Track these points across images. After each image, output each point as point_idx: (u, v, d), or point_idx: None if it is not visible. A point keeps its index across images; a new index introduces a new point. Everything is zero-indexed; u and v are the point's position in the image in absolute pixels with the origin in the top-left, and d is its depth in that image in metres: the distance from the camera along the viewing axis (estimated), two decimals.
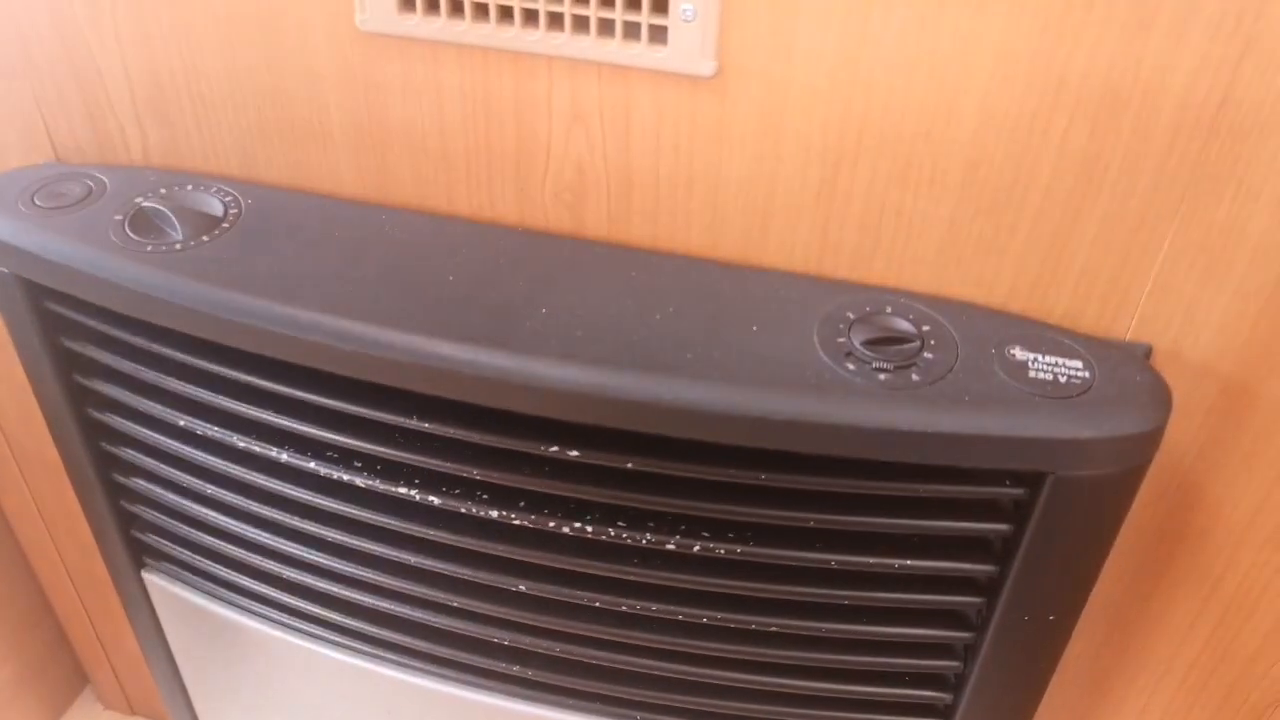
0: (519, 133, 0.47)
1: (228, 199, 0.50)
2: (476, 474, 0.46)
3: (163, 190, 0.50)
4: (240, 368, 0.47)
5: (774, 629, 0.48)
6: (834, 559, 0.45)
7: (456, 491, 0.48)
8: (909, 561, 0.45)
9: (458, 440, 0.45)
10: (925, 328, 0.43)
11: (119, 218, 0.48)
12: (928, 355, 0.42)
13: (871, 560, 0.45)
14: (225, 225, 0.48)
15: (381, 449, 0.47)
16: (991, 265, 0.44)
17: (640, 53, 0.42)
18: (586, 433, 0.44)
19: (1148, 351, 0.44)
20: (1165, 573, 0.52)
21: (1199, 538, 0.50)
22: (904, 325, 0.43)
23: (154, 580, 0.62)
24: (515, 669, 0.54)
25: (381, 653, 0.57)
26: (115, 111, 0.52)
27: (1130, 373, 0.41)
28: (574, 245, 0.48)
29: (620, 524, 0.47)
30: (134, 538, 0.61)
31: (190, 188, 0.50)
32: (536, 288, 0.45)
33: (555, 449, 0.44)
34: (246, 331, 0.44)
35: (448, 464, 0.46)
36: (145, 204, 0.49)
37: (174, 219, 0.48)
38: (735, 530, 0.46)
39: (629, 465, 0.44)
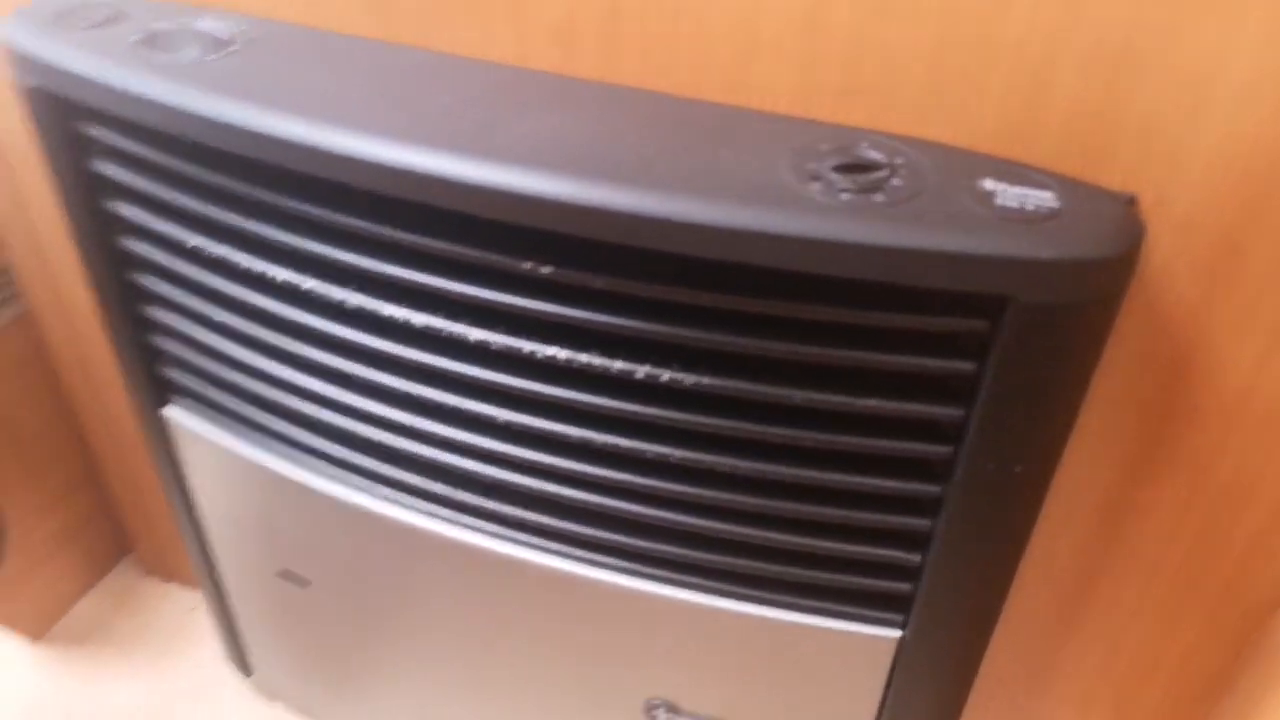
0: None
1: (238, 29, 0.52)
2: (461, 289, 0.47)
3: (178, 16, 0.52)
4: (247, 181, 0.49)
5: (739, 472, 0.49)
6: (798, 394, 0.45)
7: (442, 313, 0.49)
8: (872, 401, 0.45)
9: (446, 260, 0.47)
10: (898, 160, 0.42)
11: (137, 37, 0.51)
12: (895, 182, 0.41)
13: (835, 398, 0.45)
14: (234, 48, 0.50)
15: (372, 262, 0.48)
16: (974, 105, 0.43)
17: None
18: (559, 252, 0.45)
19: (1131, 199, 0.43)
20: (1152, 457, 0.51)
21: (1188, 416, 0.48)
22: (875, 155, 0.43)
23: (174, 417, 0.65)
24: (493, 504, 0.56)
25: (379, 487, 0.59)
26: None
27: (1102, 206, 0.40)
28: (564, 81, 0.49)
29: (591, 351, 0.47)
30: (157, 373, 0.64)
31: (203, 17, 0.53)
32: (519, 112, 0.46)
33: (529, 265, 0.45)
34: (242, 135, 0.46)
35: (438, 279, 0.47)
36: (160, 26, 0.51)
37: (186, 39, 0.50)
38: (702, 363, 0.46)
39: (598, 285, 0.45)
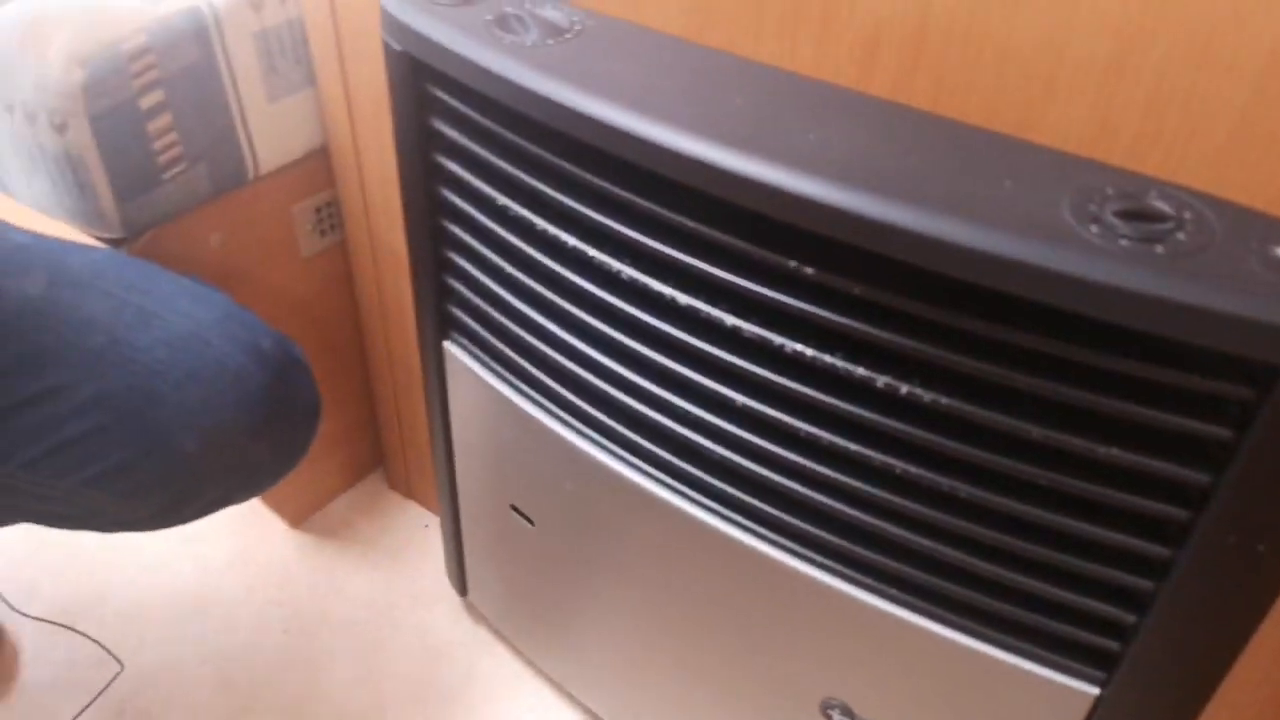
0: None
1: (574, 18, 0.58)
2: (728, 278, 0.51)
3: (523, 3, 0.59)
4: (559, 154, 0.56)
5: (964, 496, 0.50)
6: (1036, 430, 0.46)
7: (704, 296, 0.54)
8: (1115, 450, 0.45)
9: (719, 247, 0.51)
10: (1185, 214, 0.42)
11: (489, 18, 0.58)
12: (1180, 236, 0.41)
13: (1077, 441, 0.45)
14: (568, 36, 0.57)
15: (652, 241, 0.53)
16: (1278, 168, 0.42)
17: None
18: (825, 255, 0.48)
19: None
20: None
21: None
22: (1162, 206, 0.43)
23: (452, 350, 0.74)
24: (718, 482, 0.59)
25: (616, 447, 0.65)
26: None
27: None
28: (856, 96, 0.52)
29: (837, 354, 0.50)
30: (444, 309, 0.73)
31: (545, 5, 0.59)
32: (810, 120, 0.49)
33: (794, 264, 0.48)
34: (564, 112, 0.52)
35: (708, 264, 0.52)
36: (507, 9, 0.59)
37: (530, 23, 0.57)
38: (944, 382, 0.48)
39: (856, 291, 0.47)
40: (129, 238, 0.77)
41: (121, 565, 1.01)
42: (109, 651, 0.95)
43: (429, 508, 1.10)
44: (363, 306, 0.98)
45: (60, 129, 0.70)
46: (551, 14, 0.59)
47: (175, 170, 0.77)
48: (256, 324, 0.66)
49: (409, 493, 1.11)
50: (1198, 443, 0.44)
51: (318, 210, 0.92)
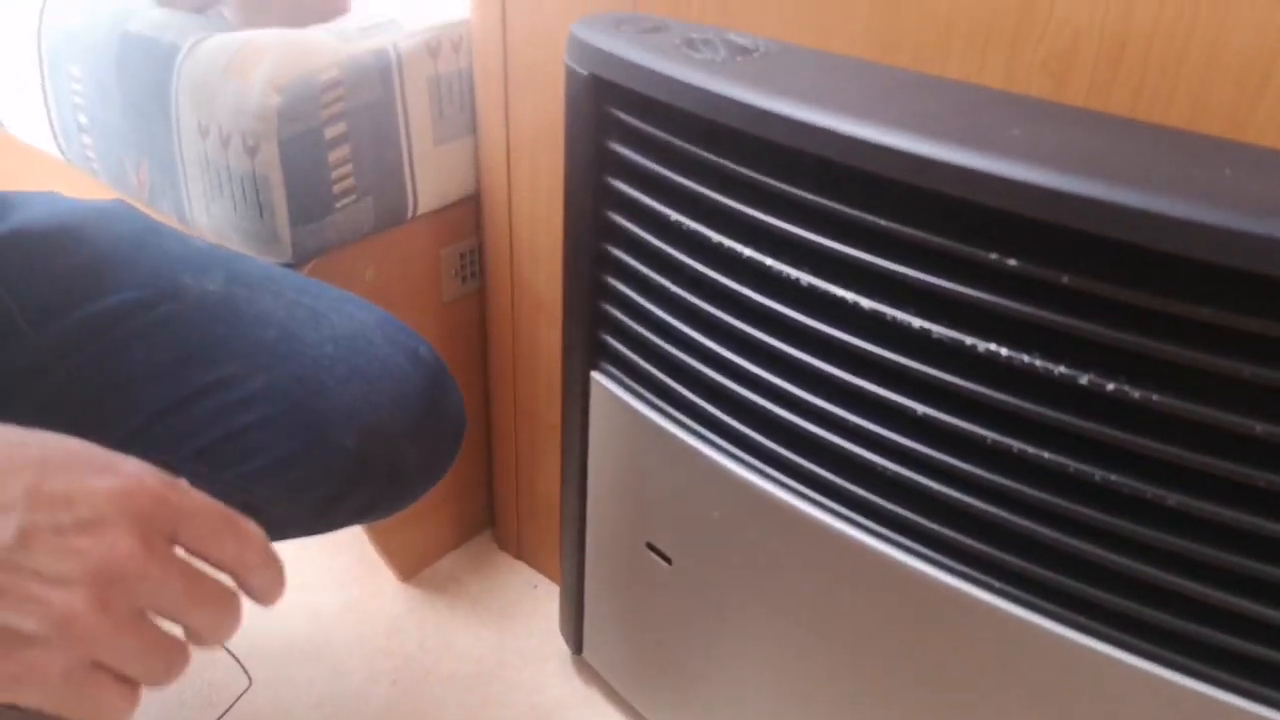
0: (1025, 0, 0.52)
1: (759, 43, 0.61)
2: (922, 277, 0.51)
3: (709, 30, 0.62)
4: (746, 163, 0.57)
5: (1178, 506, 0.47)
6: (1260, 425, 0.44)
7: (889, 300, 0.54)
8: None
9: (911, 245, 0.51)
10: None
11: (678, 41, 0.61)
12: None
13: None
14: (755, 55, 0.59)
15: (834, 243, 0.54)
16: None
17: None
18: (1025, 246, 0.47)
19: None
20: None
21: None
22: None
23: (599, 381, 0.74)
24: (896, 507, 0.58)
25: (774, 470, 0.63)
26: None
27: None
28: (1053, 104, 0.52)
29: (1034, 352, 0.49)
30: (596, 338, 0.74)
31: (730, 32, 0.62)
32: (1008, 121, 0.50)
33: (995, 256, 0.48)
34: (758, 115, 0.53)
35: (898, 265, 0.52)
36: (695, 35, 0.61)
37: (718, 44, 0.60)
38: (1153, 377, 0.46)
39: (1064, 280, 0.46)
40: (296, 264, 0.81)
41: None
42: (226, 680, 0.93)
43: (539, 569, 1.08)
44: (494, 356, 0.99)
45: (251, 151, 0.74)
46: (738, 38, 0.61)
47: (346, 201, 0.81)
48: (413, 332, 0.67)
49: (518, 554, 1.10)
50: None
51: (462, 256, 0.95)
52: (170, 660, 0.37)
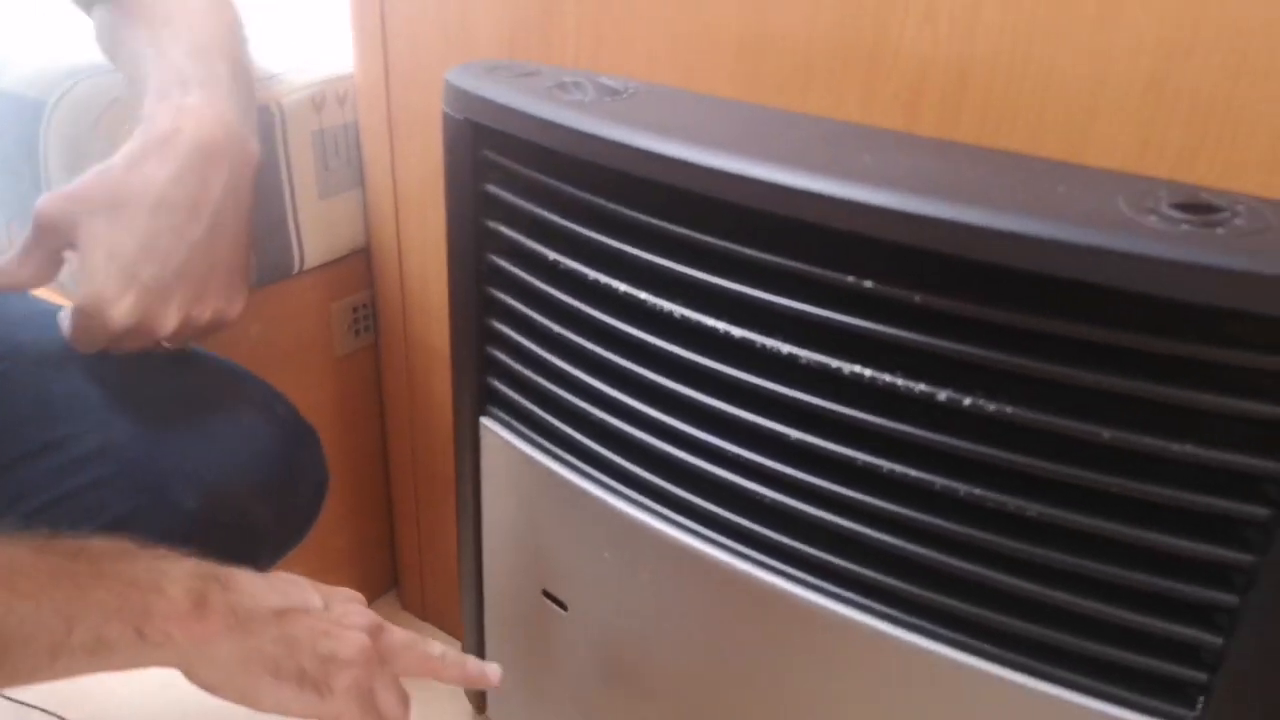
0: (874, 35, 0.55)
1: (628, 85, 0.62)
2: (785, 302, 0.52)
3: (580, 74, 0.64)
4: (616, 199, 0.58)
5: (1034, 515, 0.48)
6: (1106, 431, 0.45)
7: (759, 328, 0.54)
8: (1188, 447, 0.44)
9: (776, 273, 0.52)
10: (1239, 207, 0.44)
11: (549, 85, 0.62)
12: (1237, 222, 0.42)
13: (1149, 440, 0.45)
14: (624, 95, 0.60)
15: (706, 275, 0.55)
16: None
17: None
18: (881, 268, 0.49)
19: None
20: None
21: None
22: (1214, 200, 0.44)
23: (489, 426, 0.73)
24: (771, 532, 0.58)
25: (666, 509, 0.63)
26: (563, 23, 0.68)
27: None
28: (905, 135, 0.55)
29: (896, 372, 0.50)
30: (484, 383, 0.73)
31: (600, 76, 0.64)
32: (863, 150, 0.52)
33: (852, 279, 0.49)
34: (623, 150, 0.54)
35: (763, 292, 0.53)
36: (566, 79, 0.63)
37: (588, 87, 0.61)
38: (1007, 390, 0.48)
39: (918, 299, 0.48)
40: None
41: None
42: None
43: (445, 629, 1.05)
44: (390, 410, 0.98)
45: None
46: (608, 81, 0.63)
47: None
48: (269, 386, 0.66)
49: (424, 614, 1.07)
50: (1272, 430, 0.43)
51: (355, 309, 0.94)
52: (406, 704, 0.59)
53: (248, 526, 0.63)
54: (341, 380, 0.95)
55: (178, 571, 0.50)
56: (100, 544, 0.50)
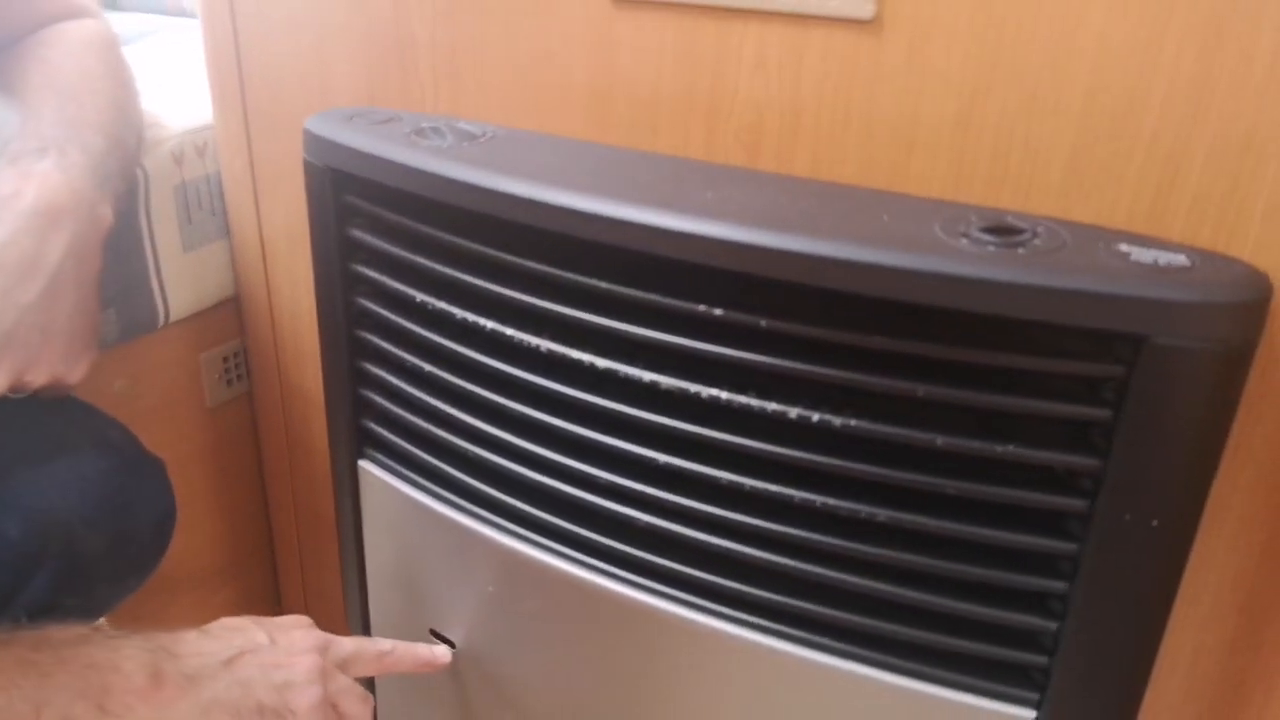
0: (714, 83, 0.58)
1: (486, 129, 0.64)
2: (641, 331, 0.55)
3: (439, 120, 0.65)
4: (476, 239, 0.59)
5: (881, 519, 0.52)
6: (940, 438, 0.49)
7: (620, 357, 0.57)
8: (1012, 447, 0.48)
9: (629, 305, 0.55)
10: (1039, 229, 0.48)
11: (408, 130, 0.64)
12: (1037, 243, 0.47)
13: (977, 444, 0.49)
14: (481, 139, 0.62)
15: (564, 308, 0.57)
16: (1110, 191, 0.49)
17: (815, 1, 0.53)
18: (728, 298, 0.52)
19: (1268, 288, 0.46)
20: None
21: None
22: (1019, 224, 0.49)
23: (367, 469, 0.74)
24: (642, 553, 0.60)
25: (543, 538, 0.65)
26: (419, 71, 0.70)
27: (1230, 266, 0.45)
28: (745, 171, 0.58)
29: (749, 393, 0.53)
30: (360, 426, 0.73)
31: (459, 121, 0.65)
32: (707, 186, 0.55)
33: (703, 308, 0.52)
34: (480, 192, 0.56)
35: (621, 323, 0.55)
36: (425, 125, 0.64)
37: (446, 132, 0.63)
38: (851, 406, 0.51)
39: (762, 324, 0.51)
40: None
41: None
42: None
43: None
44: (268, 459, 0.96)
45: None
46: (465, 126, 0.64)
47: None
48: (106, 416, 0.66)
49: None
50: (1083, 432, 0.48)
51: (225, 359, 0.92)
52: (367, 702, 0.63)
53: (77, 555, 0.62)
54: (216, 431, 0.93)
55: (130, 648, 0.54)
56: (59, 632, 0.53)
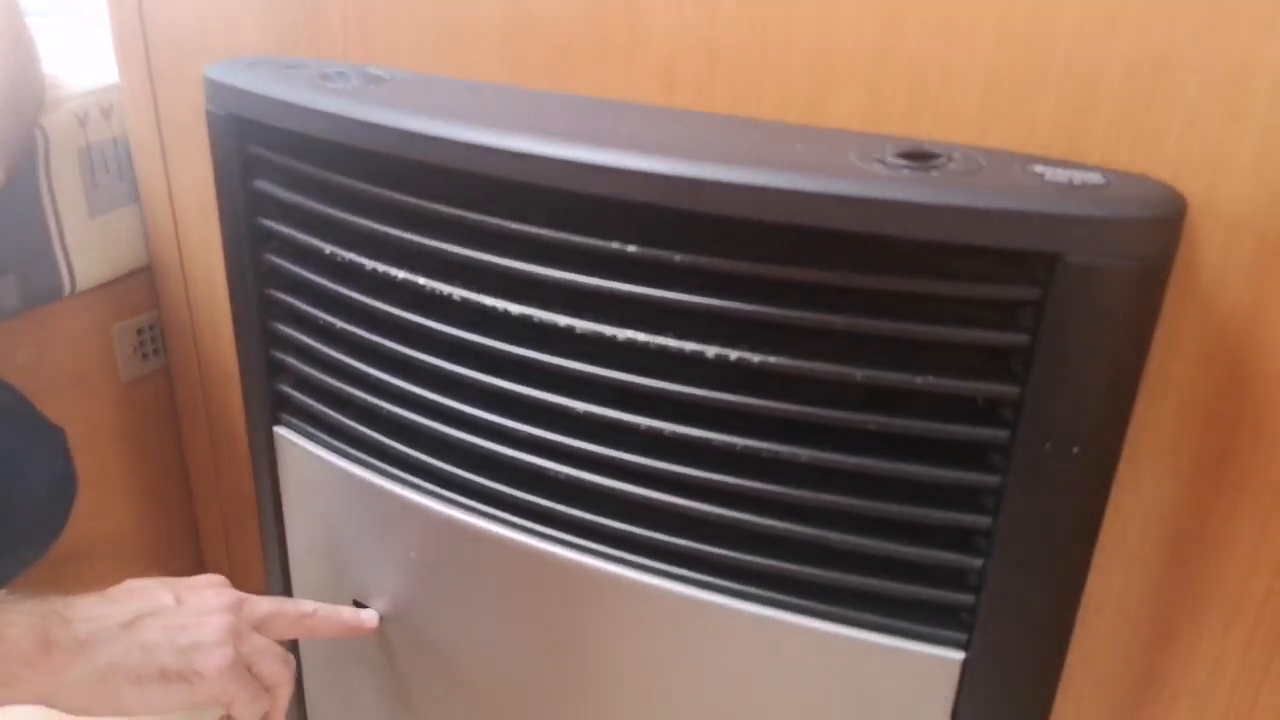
0: (628, 19, 0.56)
1: (395, 74, 0.62)
2: (554, 274, 0.53)
3: (344, 65, 0.63)
4: (387, 184, 0.57)
5: (798, 460, 0.51)
6: (859, 371, 0.48)
7: (534, 302, 0.55)
8: (931, 378, 0.47)
9: (543, 245, 0.53)
10: (955, 154, 0.47)
11: (313, 75, 0.61)
12: (952, 166, 0.46)
13: (895, 375, 0.47)
14: (389, 83, 0.60)
15: (477, 252, 0.55)
16: (1027, 117, 0.48)
17: None
18: (642, 234, 0.50)
19: (1182, 206, 0.46)
20: (1221, 472, 0.50)
21: (1254, 425, 0.49)
22: (934, 150, 0.48)
23: (283, 435, 0.71)
24: (565, 507, 0.58)
25: (463, 497, 0.62)
26: (329, 19, 0.67)
27: (1146, 185, 0.44)
28: (661, 108, 0.56)
29: (667, 334, 0.52)
30: (274, 390, 0.70)
31: (365, 66, 0.63)
32: (623, 121, 0.53)
33: (616, 245, 0.51)
34: (386, 132, 0.54)
35: (534, 266, 0.53)
36: (329, 69, 0.62)
37: (351, 76, 0.60)
38: (768, 342, 0.50)
39: (676, 258, 0.49)
40: None
41: None
42: None
43: None
44: (188, 433, 0.93)
45: None
46: (373, 70, 0.62)
47: None
48: None
49: None
50: (1001, 360, 0.47)
51: (140, 332, 0.89)
52: (288, 664, 0.61)
53: None
54: (132, 407, 0.90)
55: (16, 614, 0.51)
56: None
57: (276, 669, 0.60)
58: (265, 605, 0.62)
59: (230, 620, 0.57)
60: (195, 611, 0.57)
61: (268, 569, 0.78)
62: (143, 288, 0.88)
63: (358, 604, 0.72)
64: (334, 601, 0.74)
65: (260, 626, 0.60)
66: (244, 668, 0.57)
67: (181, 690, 0.54)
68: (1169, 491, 0.52)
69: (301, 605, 0.65)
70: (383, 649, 0.73)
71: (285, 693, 0.60)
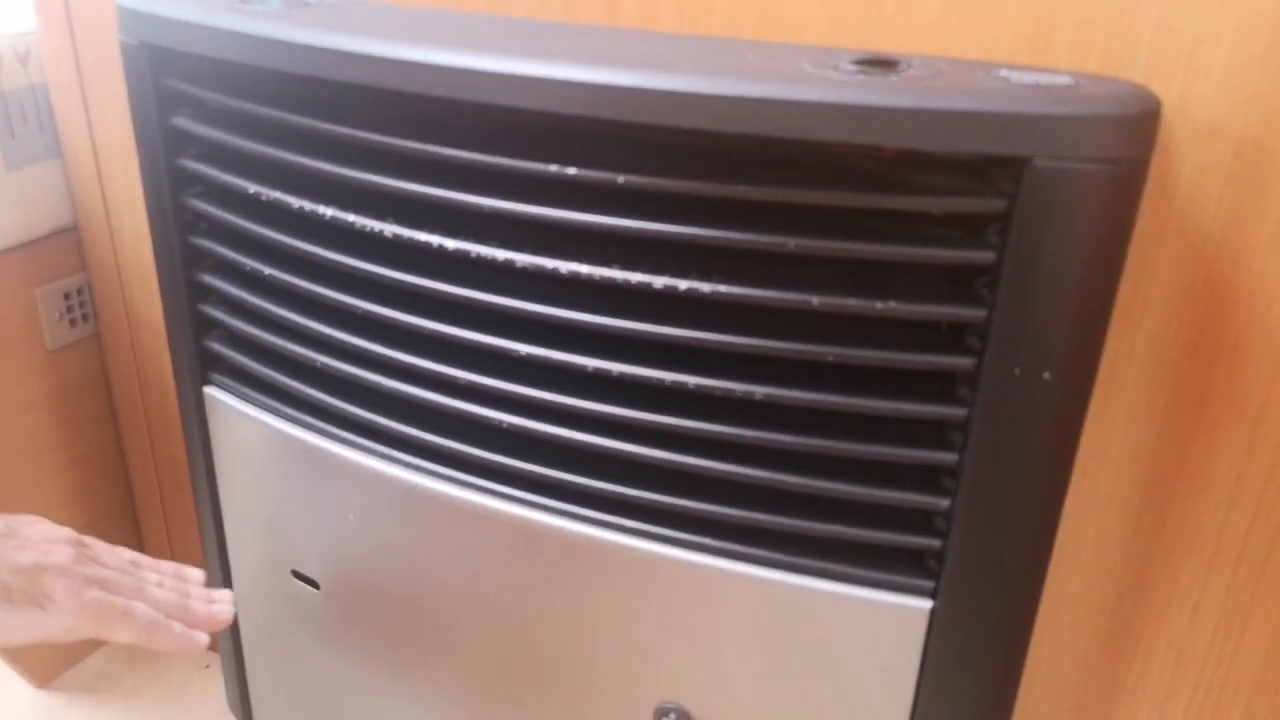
0: None
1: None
2: (492, 203, 0.49)
3: None
4: (312, 114, 0.53)
5: (759, 397, 0.47)
6: (816, 298, 0.45)
7: (470, 236, 0.51)
8: (893, 303, 0.44)
9: (479, 172, 0.49)
10: (915, 63, 0.44)
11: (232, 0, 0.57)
12: (912, 71, 0.43)
13: (854, 301, 0.44)
14: (315, 7, 0.56)
15: (410, 184, 0.51)
16: (991, 26, 0.45)
17: None
18: (582, 155, 0.46)
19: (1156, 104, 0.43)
20: (1200, 407, 0.48)
21: (1232, 354, 0.46)
22: (894, 58, 0.44)
23: (213, 396, 0.67)
24: (510, 460, 0.54)
25: (402, 454, 0.58)
26: None
27: (1116, 85, 0.41)
28: (604, 29, 0.53)
29: (613, 265, 0.48)
30: (203, 347, 0.66)
31: None
32: (564, 40, 0.49)
33: (555, 167, 0.47)
34: (310, 52, 0.50)
35: (468, 195, 0.49)
36: None
37: (273, 1, 0.56)
38: (720, 270, 0.46)
39: (620, 180, 0.46)
40: None
41: None
42: None
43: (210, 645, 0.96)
44: (121, 403, 0.88)
45: None
46: None
47: None
48: None
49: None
50: (969, 282, 0.44)
51: (67, 295, 0.84)
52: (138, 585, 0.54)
53: None
54: (60, 375, 0.85)
55: None
56: None
57: (128, 584, 0.54)
58: (103, 545, 0.56)
59: (72, 551, 0.53)
60: (33, 540, 0.52)
61: (203, 538, 0.74)
62: (68, 249, 0.83)
63: (297, 574, 0.68)
64: (272, 571, 0.70)
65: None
66: (96, 586, 0.52)
67: (31, 616, 0.50)
68: (1145, 428, 0.49)
69: (144, 572, 0.57)
70: (324, 616, 0.69)
71: (141, 610, 0.53)
